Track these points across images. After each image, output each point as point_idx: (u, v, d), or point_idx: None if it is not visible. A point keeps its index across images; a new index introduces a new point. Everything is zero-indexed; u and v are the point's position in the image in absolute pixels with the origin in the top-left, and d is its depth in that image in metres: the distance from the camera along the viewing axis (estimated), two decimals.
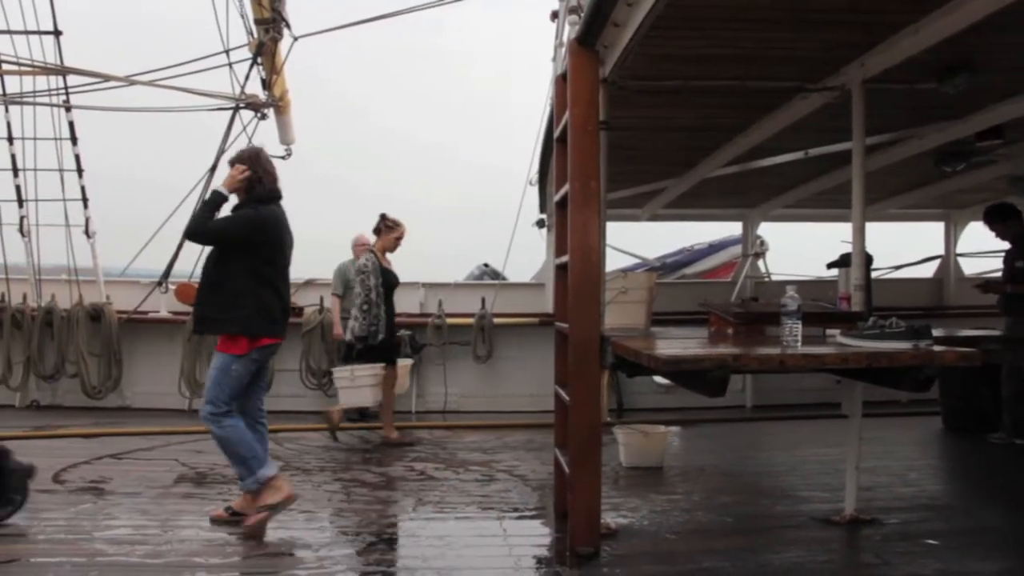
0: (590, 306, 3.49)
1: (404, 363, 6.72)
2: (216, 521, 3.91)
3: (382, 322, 6.07)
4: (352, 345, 6.26)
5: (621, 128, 4.68)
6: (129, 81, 7.25)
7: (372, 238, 6.44)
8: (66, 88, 7.48)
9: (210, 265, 3.92)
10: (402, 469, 5.27)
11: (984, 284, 6.04)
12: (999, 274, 6.16)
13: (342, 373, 6.26)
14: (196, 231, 3.89)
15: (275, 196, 4.03)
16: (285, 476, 3.73)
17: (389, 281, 6.21)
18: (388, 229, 6.26)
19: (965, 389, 6.21)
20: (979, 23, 3.47)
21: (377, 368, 6.13)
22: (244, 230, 3.86)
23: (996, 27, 3.59)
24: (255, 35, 7.25)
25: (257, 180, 3.92)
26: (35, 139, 7.57)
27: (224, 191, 3.88)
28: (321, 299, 7.69)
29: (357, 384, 6.13)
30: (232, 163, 4.00)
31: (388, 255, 6.34)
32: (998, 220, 5.86)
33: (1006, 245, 5.94)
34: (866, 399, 3.83)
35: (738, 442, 6.53)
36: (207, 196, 3.94)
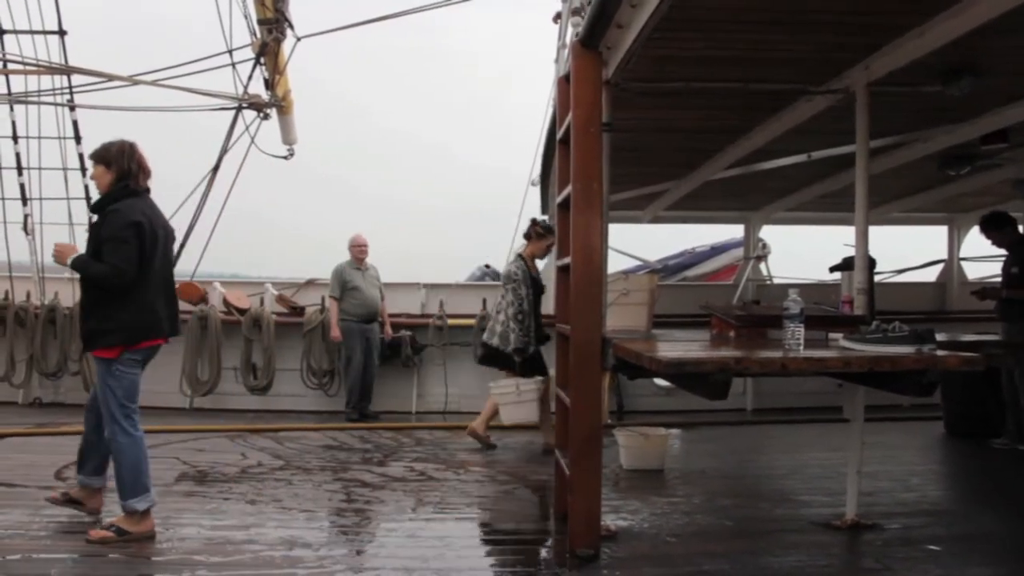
0: (591, 308, 3.48)
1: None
2: (53, 501, 3.85)
3: (533, 332, 5.92)
4: (507, 355, 5.92)
5: (624, 130, 4.67)
6: (133, 81, 7.26)
7: (370, 239, 6.38)
8: (70, 87, 7.51)
9: (84, 280, 3.71)
10: (402, 470, 5.27)
11: (981, 290, 6.05)
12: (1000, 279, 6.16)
13: (507, 389, 5.89)
14: (113, 277, 3.60)
15: (144, 190, 3.82)
16: (151, 514, 3.68)
17: (538, 289, 6.06)
18: (539, 236, 6.08)
19: (967, 394, 6.19)
20: (984, 26, 3.46)
21: (539, 381, 5.88)
22: (130, 237, 3.60)
23: (1001, 30, 3.58)
24: (258, 35, 7.26)
25: (129, 174, 3.72)
26: (39, 138, 7.62)
27: (69, 263, 3.70)
28: (322, 299, 7.69)
29: (523, 399, 5.85)
30: (97, 155, 3.78)
31: (538, 261, 6.19)
32: (994, 228, 5.87)
33: None
34: (868, 403, 3.82)
35: (739, 445, 6.52)
36: (79, 263, 3.67)
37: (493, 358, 6.07)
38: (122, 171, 3.72)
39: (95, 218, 3.76)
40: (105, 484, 3.97)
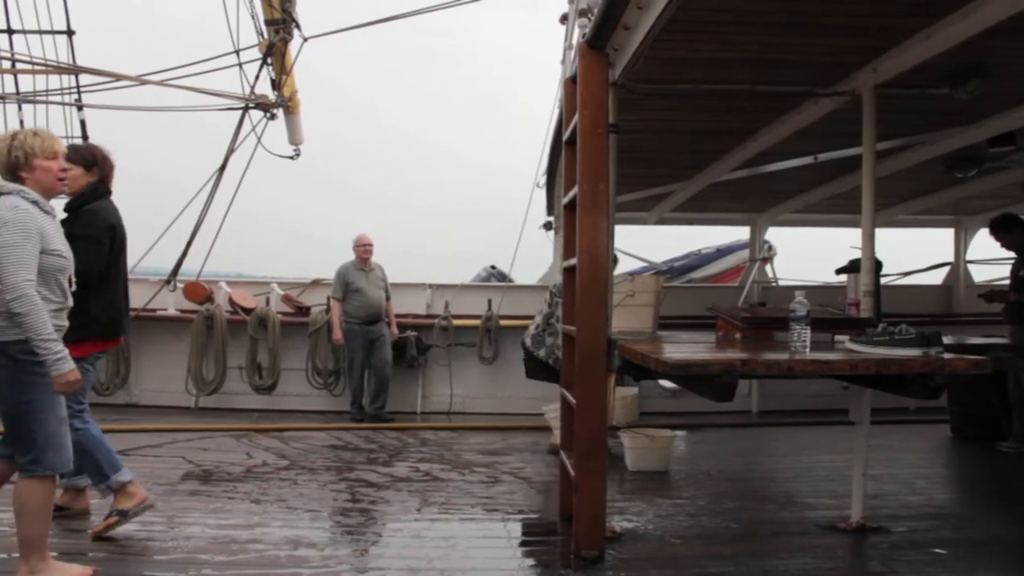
0: (597, 309, 3.48)
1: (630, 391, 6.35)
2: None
3: None
4: (542, 362, 5.64)
5: (630, 131, 4.68)
6: (141, 81, 7.29)
7: (375, 238, 6.25)
8: (78, 87, 7.54)
9: None
10: (407, 470, 5.27)
11: (988, 293, 6.02)
12: (1008, 282, 6.14)
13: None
14: (84, 275, 3.48)
15: (109, 192, 3.91)
16: (137, 482, 3.72)
17: None
18: None
19: (974, 397, 6.17)
20: (992, 28, 3.46)
21: None
22: (105, 238, 3.70)
23: (1009, 32, 3.57)
24: (265, 36, 7.29)
25: (107, 178, 3.85)
26: None
27: None
28: (328, 299, 7.71)
29: None
30: (79, 156, 3.81)
31: None
32: (1004, 230, 5.85)
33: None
34: (874, 406, 3.81)
35: (744, 447, 6.51)
36: None
37: (529, 362, 5.81)
38: (103, 174, 3.85)
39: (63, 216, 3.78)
40: (88, 482, 3.97)
